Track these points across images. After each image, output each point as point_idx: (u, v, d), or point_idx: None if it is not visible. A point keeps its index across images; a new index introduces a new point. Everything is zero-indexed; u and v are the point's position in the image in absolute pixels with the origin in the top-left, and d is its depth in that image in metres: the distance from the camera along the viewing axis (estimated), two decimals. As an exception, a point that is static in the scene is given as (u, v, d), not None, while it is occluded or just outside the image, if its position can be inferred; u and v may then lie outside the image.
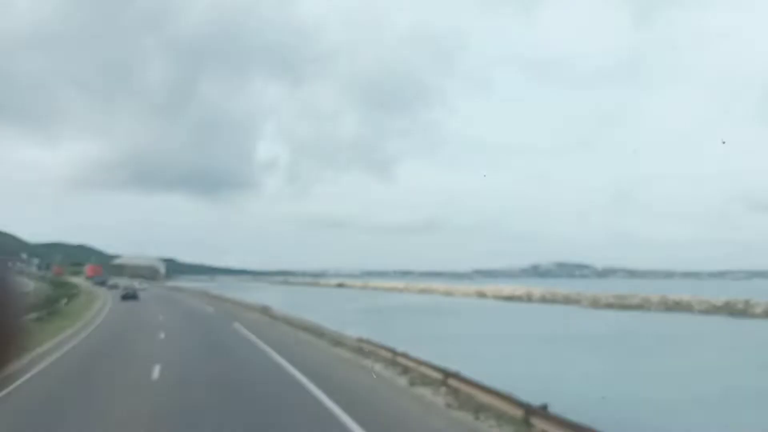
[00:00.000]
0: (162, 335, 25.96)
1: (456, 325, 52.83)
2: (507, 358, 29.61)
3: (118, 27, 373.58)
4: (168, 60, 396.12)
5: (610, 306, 78.26)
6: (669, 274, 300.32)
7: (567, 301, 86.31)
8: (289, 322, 30.24)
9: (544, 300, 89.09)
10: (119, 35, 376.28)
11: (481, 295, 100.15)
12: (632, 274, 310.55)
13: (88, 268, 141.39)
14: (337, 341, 22.14)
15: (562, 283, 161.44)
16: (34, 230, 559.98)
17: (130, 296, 56.78)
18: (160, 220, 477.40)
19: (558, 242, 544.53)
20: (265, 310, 36.50)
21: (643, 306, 75.05)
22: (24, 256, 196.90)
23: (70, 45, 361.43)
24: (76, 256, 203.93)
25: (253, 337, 24.38)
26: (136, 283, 78.04)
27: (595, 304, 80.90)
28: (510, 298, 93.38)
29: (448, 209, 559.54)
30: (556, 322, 57.57)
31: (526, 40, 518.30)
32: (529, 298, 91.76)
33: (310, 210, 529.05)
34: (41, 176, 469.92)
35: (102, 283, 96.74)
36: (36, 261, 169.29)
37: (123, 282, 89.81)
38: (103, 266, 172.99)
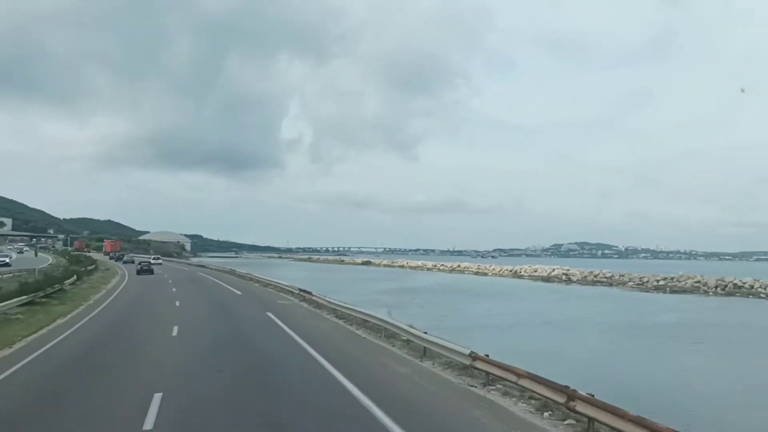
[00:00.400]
0: (174, 331, 18.87)
1: (509, 309, 45.52)
2: (624, 358, 22.53)
3: (145, 4, 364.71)
4: (194, 37, 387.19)
5: (659, 289, 70.84)
6: (691, 255, 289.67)
7: (611, 282, 78.70)
8: (338, 312, 22.95)
9: (585, 281, 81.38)
10: (146, 12, 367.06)
11: (516, 275, 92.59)
12: (655, 254, 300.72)
13: (106, 244, 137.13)
14: (421, 349, 14.83)
15: (586, 263, 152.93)
16: (63, 206, 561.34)
17: (145, 270, 57.00)
18: (187, 197, 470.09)
19: (579, 222, 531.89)
20: (303, 295, 29.14)
21: (698, 289, 67.24)
22: (51, 231, 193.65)
23: (98, 22, 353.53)
24: (105, 232, 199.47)
25: (298, 339, 17.13)
26: (152, 259, 77.20)
27: (643, 286, 73.41)
28: (548, 279, 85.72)
29: (470, 189, 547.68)
30: (621, 306, 50.05)
31: (551, 18, 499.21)
32: (568, 279, 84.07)
33: (332, 189, 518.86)
34: (71, 153, 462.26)
35: (118, 259, 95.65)
36: (62, 236, 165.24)
37: (139, 257, 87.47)
38: (130, 242, 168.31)
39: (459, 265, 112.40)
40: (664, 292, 68.24)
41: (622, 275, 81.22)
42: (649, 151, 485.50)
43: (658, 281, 74.23)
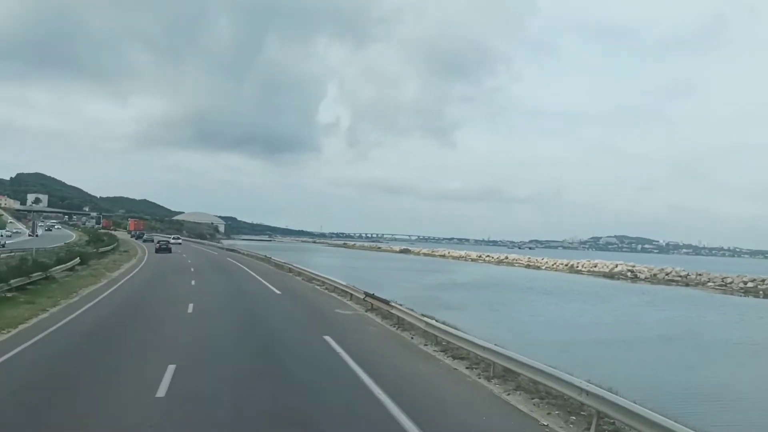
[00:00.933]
0: (167, 376, 9.75)
1: (598, 314, 35.93)
2: None
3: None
4: (233, 18, 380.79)
5: (748, 291, 60.59)
6: (735, 253, 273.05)
7: (687, 282, 68.19)
8: (441, 342, 12.93)
9: (655, 279, 71.04)
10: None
11: (573, 270, 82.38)
12: (697, 250, 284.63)
13: (130, 223, 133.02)
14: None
15: (626, 257, 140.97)
16: (100, 185, 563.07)
17: (163, 249, 58.60)
18: (223, 179, 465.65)
19: (618, 215, 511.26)
20: (371, 302, 19.07)
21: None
22: (86, 209, 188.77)
23: (139, 2, 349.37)
24: (140, 211, 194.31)
25: (403, 418, 7.85)
26: (171, 239, 77.61)
27: (727, 288, 62.99)
28: (611, 276, 75.35)
29: (507, 178, 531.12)
30: (734, 315, 40.05)
31: (595, 5, 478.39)
32: (635, 277, 73.70)
33: (368, 174, 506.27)
34: (110, 132, 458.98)
35: (139, 237, 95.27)
36: (95, 214, 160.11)
37: (159, 236, 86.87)
38: (163, 222, 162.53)
39: (507, 257, 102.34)
40: (756, 296, 58.01)
41: (700, 274, 70.75)
42: (691, 144, 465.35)
43: (745, 282, 63.74)
